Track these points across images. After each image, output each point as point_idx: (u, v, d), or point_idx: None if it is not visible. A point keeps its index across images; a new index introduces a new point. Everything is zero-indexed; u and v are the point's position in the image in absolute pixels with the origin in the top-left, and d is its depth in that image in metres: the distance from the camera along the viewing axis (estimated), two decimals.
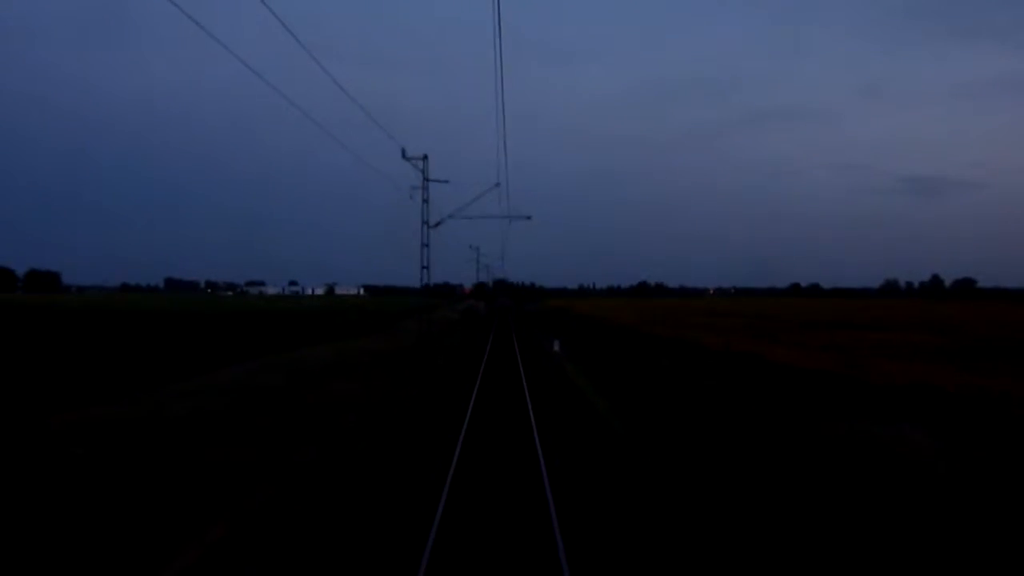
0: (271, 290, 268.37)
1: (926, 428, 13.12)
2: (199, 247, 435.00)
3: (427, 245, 31.05)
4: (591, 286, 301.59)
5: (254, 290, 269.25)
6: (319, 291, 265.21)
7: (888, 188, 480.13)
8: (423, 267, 31.06)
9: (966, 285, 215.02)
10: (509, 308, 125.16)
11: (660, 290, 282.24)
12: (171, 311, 72.83)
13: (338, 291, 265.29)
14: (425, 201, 30.44)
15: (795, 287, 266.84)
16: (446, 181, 31.34)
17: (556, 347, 35.54)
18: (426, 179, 29.98)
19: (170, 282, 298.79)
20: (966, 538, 7.63)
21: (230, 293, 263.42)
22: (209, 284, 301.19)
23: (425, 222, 30.57)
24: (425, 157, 29.94)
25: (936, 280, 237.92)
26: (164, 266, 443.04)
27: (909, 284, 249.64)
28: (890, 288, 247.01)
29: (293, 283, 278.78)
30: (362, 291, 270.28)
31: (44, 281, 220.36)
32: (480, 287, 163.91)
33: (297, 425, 14.46)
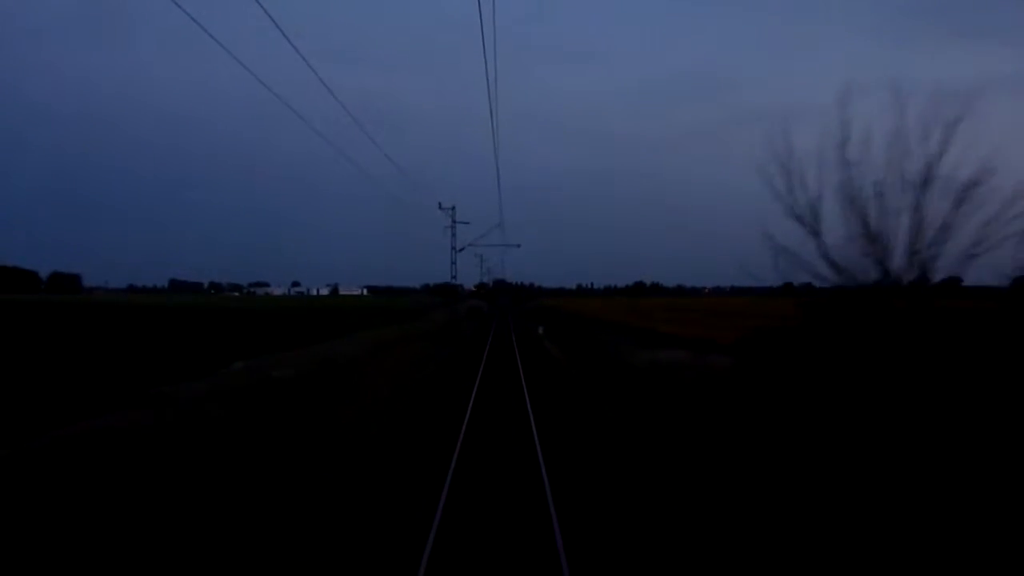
0: (277, 291, 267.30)
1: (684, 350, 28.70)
2: (199, 248, 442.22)
3: (455, 263, 47.31)
4: (589, 286, 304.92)
5: (260, 291, 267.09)
6: (323, 291, 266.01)
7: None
8: (452, 277, 47.55)
9: (952, 283, 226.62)
10: (508, 306, 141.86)
11: (656, 289, 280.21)
12: (223, 307, 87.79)
13: (341, 291, 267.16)
14: (454, 235, 46.41)
15: (787, 286, 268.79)
16: (467, 223, 47.21)
17: (540, 331, 51.90)
18: (454, 222, 46.01)
19: (174, 283, 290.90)
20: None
21: (236, 294, 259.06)
22: (213, 285, 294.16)
23: (453, 247, 46.54)
24: (453, 207, 46.21)
25: (923, 278, 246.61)
26: (166, 267, 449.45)
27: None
28: None
29: (296, 284, 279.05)
30: (365, 291, 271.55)
31: (65, 283, 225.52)
32: (482, 287, 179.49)
33: (406, 357, 29.85)
